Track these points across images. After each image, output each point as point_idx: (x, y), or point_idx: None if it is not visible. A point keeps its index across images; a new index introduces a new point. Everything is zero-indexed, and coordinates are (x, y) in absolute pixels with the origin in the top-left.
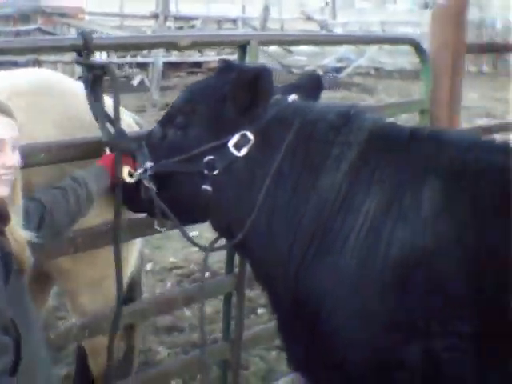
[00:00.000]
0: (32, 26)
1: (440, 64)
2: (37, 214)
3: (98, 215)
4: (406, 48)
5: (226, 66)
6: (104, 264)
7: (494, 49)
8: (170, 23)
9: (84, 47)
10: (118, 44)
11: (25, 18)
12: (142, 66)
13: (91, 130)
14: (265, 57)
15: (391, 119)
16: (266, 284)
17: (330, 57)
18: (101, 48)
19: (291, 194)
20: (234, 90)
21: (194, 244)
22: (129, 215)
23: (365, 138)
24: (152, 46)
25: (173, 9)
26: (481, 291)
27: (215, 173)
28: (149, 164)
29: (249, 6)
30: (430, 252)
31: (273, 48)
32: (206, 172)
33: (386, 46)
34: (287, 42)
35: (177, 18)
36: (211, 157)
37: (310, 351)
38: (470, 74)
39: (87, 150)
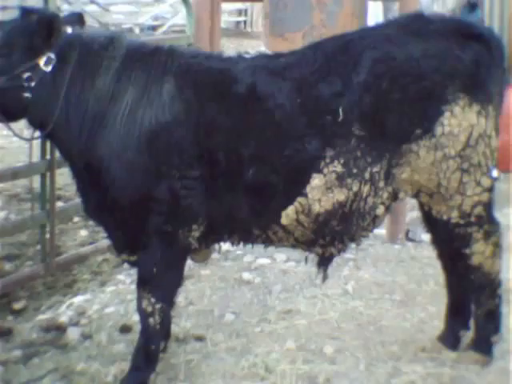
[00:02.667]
0: None
1: (200, 11)
2: None
3: None
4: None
5: (27, 10)
6: None
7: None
8: None
9: None
10: None
11: None
12: None
13: None
14: (85, 16)
15: None
16: (68, 158)
17: (145, 15)
18: None
19: (79, 93)
20: (39, 27)
21: (16, 135)
22: None
23: (124, 52)
24: None
25: None
26: (204, 149)
27: (32, 84)
28: None
29: None
30: (168, 124)
31: (92, 8)
32: (25, 84)
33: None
34: None
35: None
36: (29, 73)
37: (97, 200)
38: None
39: None
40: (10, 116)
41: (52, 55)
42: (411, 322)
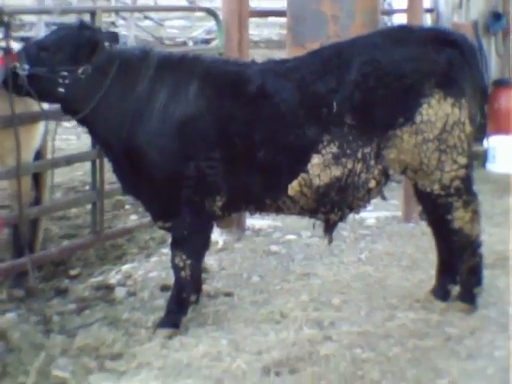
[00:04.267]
0: None
1: (230, 25)
2: None
3: None
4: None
5: (84, 24)
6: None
7: (271, 14)
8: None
9: None
10: None
11: None
12: None
13: None
14: (138, 30)
15: None
16: (105, 145)
17: (199, 29)
18: None
19: (120, 94)
20: (86, 44)
21: (47, 116)
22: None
23: (155, 62)
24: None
25: None
26: (223, 136)
27: (66, 82)
28: (26, 66)
29: None
30: (194, 116)
31: (146, 23)
32: (60, 81)
33: (254, 20)
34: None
35: None
36: (65, 73)
37: (135, 181)
38: None
39: None
40: (42, 98)
41: (89, 68)
42: (412, 281)
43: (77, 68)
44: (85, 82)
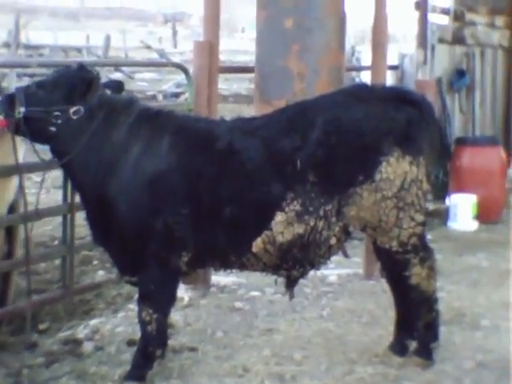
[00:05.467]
0: None
1: (200, 80)
2: None
3: None
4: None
5: (82, 66)
6: None
7: (240, 70)
8: (20, 51)
9: None
10: None
11: None
12: None
13: None
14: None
15: None
16: (81, 190)
17: (168, 83)
18: None
19: (100, 140)
20: (81, 83)
21: (39, 157)
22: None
23: (136, 112)
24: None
25: (23, 36)
26: (191, 192)
27: (59, 122)
28: (22, 109)
29: (94, 34)
30: (165, 172)
31: (117, 75)
32: (53, 120)
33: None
34: (99, 64)
35: (27, 47)
36: (58, 113)
37: (105, 230)
38: None
39: None
40: (35, 139)
41: (82, 109)
42: (371, 337)
43: (69, 108)
44: (75, 123)
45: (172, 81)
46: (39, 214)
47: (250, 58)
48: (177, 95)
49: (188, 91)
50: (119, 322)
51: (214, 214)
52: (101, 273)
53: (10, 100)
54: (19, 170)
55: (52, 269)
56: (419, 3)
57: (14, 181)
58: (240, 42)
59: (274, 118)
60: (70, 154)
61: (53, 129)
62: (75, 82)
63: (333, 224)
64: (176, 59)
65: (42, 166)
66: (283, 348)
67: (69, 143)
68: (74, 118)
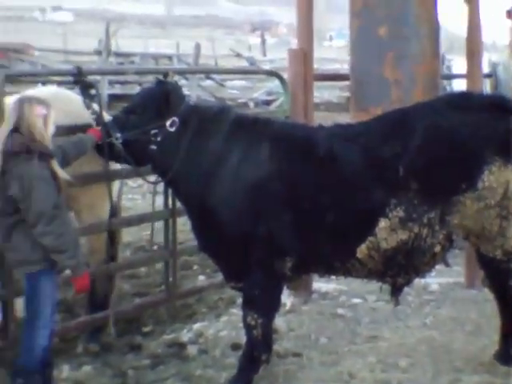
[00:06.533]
0: None
1: (295, 87)
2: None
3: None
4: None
5: (160, 80)
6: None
7: (335, 78)
8: (111, 59)
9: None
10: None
11: None
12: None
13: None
14: (200, 90)
15: None
16: (185, 202)
17: (259, 90)
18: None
19: (197, 150)
20: (163, 96)
21: (144, 179)
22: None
23: (230, 120)
24: None
25: (113, 44)
26: (293, 199)
27: (158, 139)
28: (118, 134)
29: (182, 42)
30: (265, 178)
31: (208, 83)
32: (153, 139)
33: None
34: (191, 71)
35: (117, 55)
36: (156, 131)
37: (210, 238)
38: None
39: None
40: (137, 161)
41: (176, 119)
42: (476, 345)
43: (165, 122)
44: (173, 136)
45: (263, 88)
46: (141, 219)
47: (338, 66)
48: (268, 103)
49: (284, 98)
50: (222, 327)
51: (316, 220)
52: (201, 278)
53: (105, 130)
54: (120, 175)
55: (153, 273)
56: (510, 12)
57: (116, 185)
58: (328, 50)
59: (373, 124)
60: (173, 167)
61: (153, 147)
62: (160, 97)
63: (436, 232)
64: (266, 67)
65: (139, 172)
66: (388, 355)
67: (170, 158)
68: (172, 130)
